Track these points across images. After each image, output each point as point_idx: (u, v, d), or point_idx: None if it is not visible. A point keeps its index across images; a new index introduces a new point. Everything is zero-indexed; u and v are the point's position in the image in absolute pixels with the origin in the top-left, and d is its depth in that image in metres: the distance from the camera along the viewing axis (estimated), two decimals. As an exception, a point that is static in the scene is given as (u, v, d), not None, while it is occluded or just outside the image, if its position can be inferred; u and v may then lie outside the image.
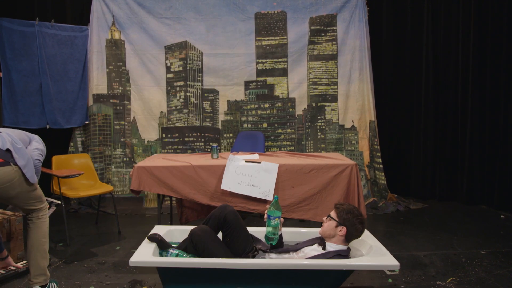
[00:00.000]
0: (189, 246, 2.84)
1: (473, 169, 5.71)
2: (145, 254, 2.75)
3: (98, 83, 5.83)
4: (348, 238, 2.84)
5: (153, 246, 2.87)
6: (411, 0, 6.01)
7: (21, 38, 5.21)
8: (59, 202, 3.50)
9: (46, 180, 4.64)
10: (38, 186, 3.12)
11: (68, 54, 5.59)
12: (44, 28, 5.37)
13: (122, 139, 5.91)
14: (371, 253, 2.81)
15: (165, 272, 2.70)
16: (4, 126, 4.80)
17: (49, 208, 3.30)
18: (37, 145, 3.22)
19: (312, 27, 5.89)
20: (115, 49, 5.84)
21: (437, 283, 3.28)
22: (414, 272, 3.48)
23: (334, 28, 5.91)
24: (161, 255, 2.87)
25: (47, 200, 3.31)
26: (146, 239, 2.96)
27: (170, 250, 2.86)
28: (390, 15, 6.09)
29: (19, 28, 5.22)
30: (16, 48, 5.19)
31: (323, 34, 5.91)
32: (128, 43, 5.85)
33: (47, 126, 5.45)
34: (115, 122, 5.90)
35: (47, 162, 4.68)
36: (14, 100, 5.16)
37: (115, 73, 5.86)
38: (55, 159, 4.76)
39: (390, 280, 3.32)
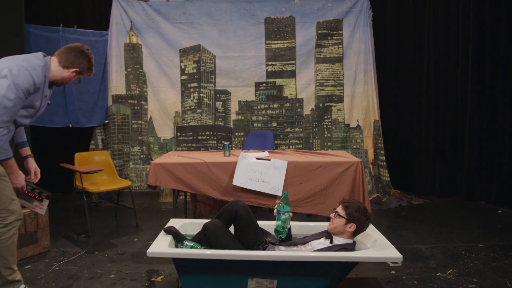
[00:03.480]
0: (203, 239, 2.86)
1: (472, 166, 5.67)
2: (161, 245, 2.76)
3: (117, 84, 5.87)
4: (356, 233, 2.85)
5: (169, 238, 2.89)
6: (413, 4, 5.96)
7: (46, 43, 5.27)
8: (50, 193, 3.02)
9: (68, 176, 4.70)
10: (3, 180, 2.56)
11: (89, 58, 5.63)
12: (67, 33, 5.43)
13: (139, 137, 5.95)
14: (376, 246, 2.81)
15: (180, 263, 2.72)
16: (30, 125, 4.84)
17: (41, 201, 2.93)
18: None
19: (319, 31, 5.88)
20: (133, 53, 5.87)
21: (438, 274, 3.27)
22: (416, 264, 3.47)
23: (340, 32, 5.90)
24: (176, 246, 2.89)
25: (37, 190, 2.89)
26: (162, 232, 2.97)
27: (185, 242, 2.86)
28: (393, 19, 6.06)
29: (45, 34, 5.27)
30: (41, 53, 5.24)
31: (329, 38, 5.90)
32: (145, 47, 5.88)
33: (70, 125, 5.51)
34: (133, 121, 5.94)
35: (70, 159, 4.75)
36: (40, 101, 5.21)
37: (133, 75, 5.90)
38: (77, 156, 4.80)
39: (393, 272, 3.32)
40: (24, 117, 2.60)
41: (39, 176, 2.87)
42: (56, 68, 2.67)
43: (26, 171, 2.84)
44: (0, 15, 4.55)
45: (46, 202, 2.94)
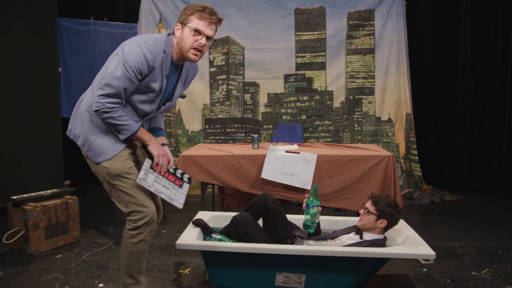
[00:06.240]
0: (231, 232, 2.84)
1: (510, 161, 5.46)
2: (190, 238, 2.77)
3: (146, 77, 5.92)
4: (387, 228, 2.78)
5: (197, 230, 2.89)
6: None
7: (77, 36, 5.37)
8: (191, 177, 2.62)
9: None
10: (125, 180, 2.26)
11: (119, 50, 5.71)
12: (98, 26, 5.51)
13: (167, 130, 5.99)
14: (407, 243, 2.74)
15: (208, 255, 2.72)
16: (62, 118, 4.93)
17: (181, 187, 2.47)
18: (98, 91, 2.13)
19: (350, 22, 5.78)
20: (162, 45, 5.90)
21: (472, 273, 3.16)
22: (448, 262, 3.37)
23: (372, 22, 5.77)
24: (204, 239, 2.88)
25: (179, 171, 2.50)
26: (190, 224, 2.96)
27: (213, 235, 2.85)
28: (428, 8, 5.89)
29: (76, 27, 5.37)
30: (73, 45, 5.35)
31: (361, 29, 5.79)
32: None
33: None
34: (162, 114, 5.98)
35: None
36: (71, 93, 5.32)
37: (162, 68, 5.93)
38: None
39: (425, 269, 3.24)
40: (144, 102, 2.26)
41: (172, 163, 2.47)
42: (176, 38, 2.27)
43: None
44: (34, 9, 4.66)
45: (186, 188, 2.50)
